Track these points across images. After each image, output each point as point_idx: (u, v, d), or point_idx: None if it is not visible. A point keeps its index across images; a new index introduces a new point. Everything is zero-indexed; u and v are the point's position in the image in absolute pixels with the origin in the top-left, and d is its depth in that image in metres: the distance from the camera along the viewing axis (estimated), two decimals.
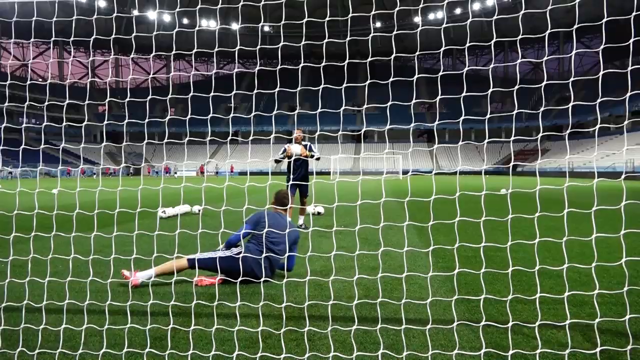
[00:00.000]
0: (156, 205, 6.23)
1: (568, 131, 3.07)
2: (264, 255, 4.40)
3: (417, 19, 69.55)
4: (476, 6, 64.05)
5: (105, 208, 3.97)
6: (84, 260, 3.99)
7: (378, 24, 65.83)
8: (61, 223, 3.85)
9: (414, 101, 4.19)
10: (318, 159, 8.46)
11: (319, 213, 10.86)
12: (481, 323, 3.01)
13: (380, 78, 4.30)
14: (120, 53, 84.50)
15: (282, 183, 5.18)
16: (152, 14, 63.16)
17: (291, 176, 8.55)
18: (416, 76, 4.05)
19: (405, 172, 51.11)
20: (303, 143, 8.72)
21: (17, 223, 3.94)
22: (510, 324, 3.00)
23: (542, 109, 3.58)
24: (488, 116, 3.39)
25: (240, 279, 3.92)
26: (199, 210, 11.03)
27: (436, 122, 3.42)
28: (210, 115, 4.02)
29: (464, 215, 3.20)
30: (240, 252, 4.48)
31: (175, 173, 65.25)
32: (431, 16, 73.73)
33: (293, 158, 8.33)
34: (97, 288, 4.15)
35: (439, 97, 3.61)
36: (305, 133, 8.86)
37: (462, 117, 3.50)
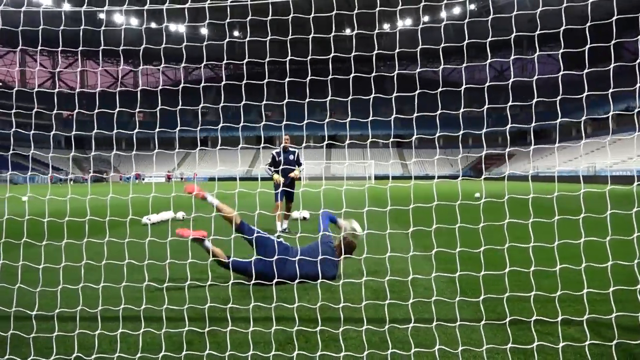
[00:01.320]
0: (136, 213, 6.31)
1: (529, 149, 3.42)
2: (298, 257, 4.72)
3: (386, 26, 70.66)
4: (444, 14, 65.51)
5: (83, 216, 4.10)
6: (78, 267, 4.10)
7: (348, 31, 66.56)
8: (42, 231, 3.99)
9: (392, 117, 4.49)
10: (301, 164, 9.50)
11: (304, 218, 11.24)
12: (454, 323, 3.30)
13: (354, 83, 4.56)
14: (85, 58, 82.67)
15: (268, 191, 5.37)
16: (119, 18, 62.18)
17: (280, 182, 9.10)
18: (393, 95, 4.35)
19: (378, 178, 51.70)
20: (291, 149, 9.52)
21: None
22: (482, 323, 3.31)
23: (508, 126, 3.92)
24: (460, 133, 3.71)
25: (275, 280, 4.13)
26: (183, 217, 11.08)
27: (414, 137, 3.72)
28: (202, 125, 4.22)
29: (441, 221, 3.50)
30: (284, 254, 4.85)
31: (143, 179, 64.42)
32: (399, 23, 74.95)
33: (280, 167, 8.89)
34: (111, 294, 4.22)
35: (415, 113, 3.91)
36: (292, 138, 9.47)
37: (438, 133, 3.81)
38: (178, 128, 4.50)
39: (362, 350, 3.10)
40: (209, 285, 4.50)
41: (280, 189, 9.02)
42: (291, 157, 9.46)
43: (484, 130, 3.32)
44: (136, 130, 4.66)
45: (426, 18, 70.03)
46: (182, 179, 69.11)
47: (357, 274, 4.86)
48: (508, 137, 4.33)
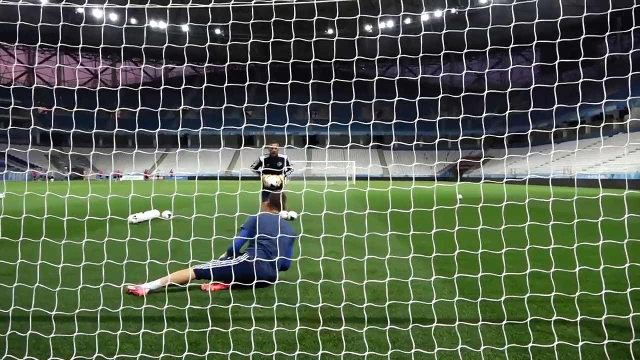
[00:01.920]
0: (120, 212, 6.23)
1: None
2: (277, 258, 4.70)
3: (368, 27, 70.98)
4: (425, 17, 66.13)
5: (60, 215, 4.07)
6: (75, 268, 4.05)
7: (330, 31, 66.69)
8: (28, 229, 3.96)
9: (372, 121, 4.54)
10: (290, 169, 9.75)
11: (292, 218, 11.34)
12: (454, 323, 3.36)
13: (336, 84, 4.61)
14: (63, 53, 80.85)
15: (251, 192, 5.39)
16: (98, 13, 61.02)
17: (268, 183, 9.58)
18: (372, 99, 4.40)
19: (358, 178, 51.85)
20: (280, 156, 9.81)
21: None
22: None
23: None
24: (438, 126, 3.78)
25: (255, 282, 4.22)
26: (169, 215, 10.96)
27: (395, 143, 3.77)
28: (181, 123, 4.20)
29: (424, 221, 3.54)
30: (250, 258, 4.75)
31: (121, 177, 63.70)
32: (382, 25, 75.45)
33: (268, 172, 9.44)
34: (110, 295, 4.19)
35: (398, 122, 3.96)
36: (279, 143, 9.65)
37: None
38: (158, 129, 4.48)
39: (364, 350, 3.14)
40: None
41: (266, 190, 9.34)
42: (279, 163, 9.72)
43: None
44: (116, 130, 4.60)
45: (407, 21, 70.70)
46: (158, 177, 68.41)
47: (358, 275, 4.91)
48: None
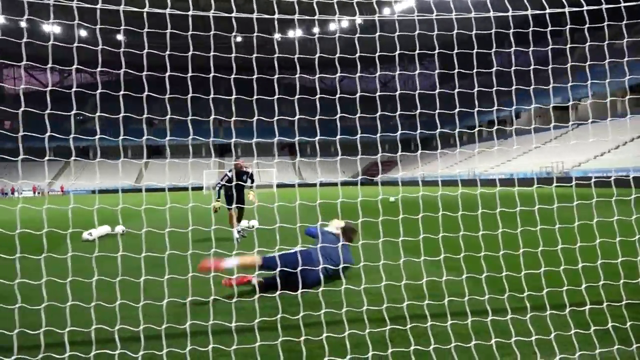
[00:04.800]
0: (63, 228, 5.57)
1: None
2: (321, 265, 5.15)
3: (277, 36, 71.30)
4: (332, 26, 67.83)
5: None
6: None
7: (239, 39, 66.22)
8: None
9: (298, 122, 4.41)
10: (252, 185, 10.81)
11: (253, 226, 11.79)
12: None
13: (245, 91, 4.50)
14: None
15: (205, 205, 5.30)
16: None
17: (234, 198, 10.40)
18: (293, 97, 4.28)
19: (279, 186, 51.60)
20: (245, 170, 10.81)
21: None
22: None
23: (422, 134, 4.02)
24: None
25: (300, 290, 4.26)
26: (124, 231, 10.38)
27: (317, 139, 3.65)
28: (82, 133, 3.81)
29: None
30: (314, 252, 5.15)
31: (21, 193, 60.00)
32: (290, 33, 76.21)
33: (233, 183, 10.07)
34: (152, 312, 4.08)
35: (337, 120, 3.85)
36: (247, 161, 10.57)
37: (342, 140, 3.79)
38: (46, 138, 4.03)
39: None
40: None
41: (234, 205, 10.27)
42: (244, 177, 10.73)
43: (404, 134, 3.38)
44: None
45: (316, 29, 71.97)
46: (39, 193, 64.55)
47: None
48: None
